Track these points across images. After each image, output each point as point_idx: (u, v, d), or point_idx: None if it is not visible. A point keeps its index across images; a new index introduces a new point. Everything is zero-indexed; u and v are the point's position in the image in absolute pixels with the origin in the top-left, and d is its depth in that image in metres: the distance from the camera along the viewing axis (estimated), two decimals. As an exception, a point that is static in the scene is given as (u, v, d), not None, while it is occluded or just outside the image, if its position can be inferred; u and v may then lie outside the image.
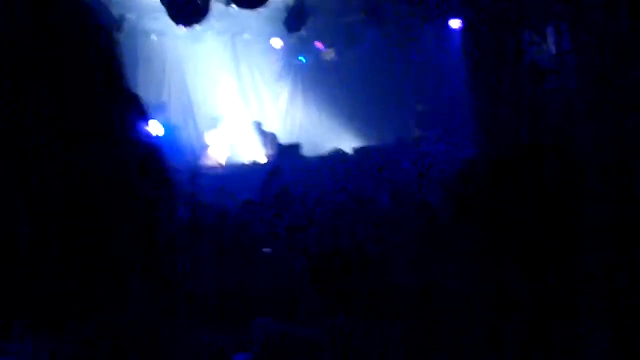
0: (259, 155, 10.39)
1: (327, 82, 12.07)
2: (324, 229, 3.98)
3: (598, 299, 0.68)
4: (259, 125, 10.97)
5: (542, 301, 0.71)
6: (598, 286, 0.68)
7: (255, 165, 9.66)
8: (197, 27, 8.83)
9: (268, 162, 9.80)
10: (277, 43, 11.73)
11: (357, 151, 9.20)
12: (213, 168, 10.22)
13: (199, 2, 7.01)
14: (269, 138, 10.63)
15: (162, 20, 9.12)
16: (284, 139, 10.72)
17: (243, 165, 9.87)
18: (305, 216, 4.54)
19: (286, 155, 9.33)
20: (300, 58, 12.34)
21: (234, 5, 8.20)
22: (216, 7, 8.58)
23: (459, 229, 0.75)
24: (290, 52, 12.16)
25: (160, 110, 10.86)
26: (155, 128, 10.09)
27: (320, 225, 4.15)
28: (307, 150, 9.80)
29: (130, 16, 9.65)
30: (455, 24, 9.10)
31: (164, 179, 0.99)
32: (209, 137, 10.97)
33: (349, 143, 10.63)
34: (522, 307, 0.72)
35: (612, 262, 0.69)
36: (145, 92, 10.14)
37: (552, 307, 0.71)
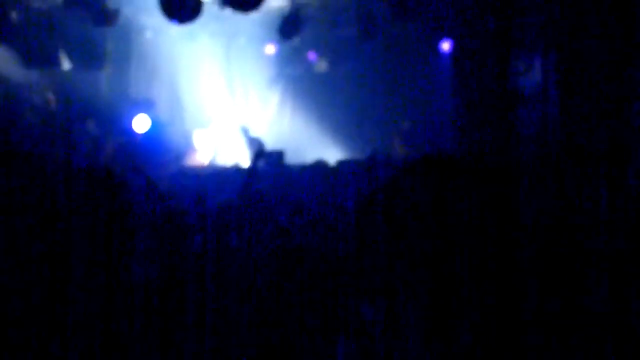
0: (243, 158, 10.41)
1: (316, 93, 12.12)
2: (291, 233, 4.01)
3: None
4: (245, 130, 11.01)
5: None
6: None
7: (236, 168, 9.68)
8: (192, 27, 8.88)
9: (250, 167, 9.81)
10: (271, 50, 11.79)
11: (339, 164, 9.23)
12: (195, 168, 10.23)
13: (191, 1, 7.09)
14: (254, 143, 10.66)
15: (157, 18, 9.17)
16: (269, 145, 10.75)
17: (225, 168, 9.88)
18: (275, 221, 4.56)
19: (268, 161, 9.34)
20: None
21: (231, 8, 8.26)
22: (211, 8, 8.65)
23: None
24: (283, 59, 12.23)
25: (149, 105, 10.88)
26: (142, 123, 10.14)
27: (288, 229, 4.18)
28: (290, 158, 9.83)
29: (126, 12, 9.68)
30: (445, 46, 9.20)
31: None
32: (195, 137, 10.99)
33: (333, 155, 10.67)
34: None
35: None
36: (136, 87, 10.24)
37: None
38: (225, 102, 12.09)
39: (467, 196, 0.72)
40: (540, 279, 0.65)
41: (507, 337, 0.68)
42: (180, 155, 10.58)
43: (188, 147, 10.87)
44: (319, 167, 9.06)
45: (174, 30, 9.59)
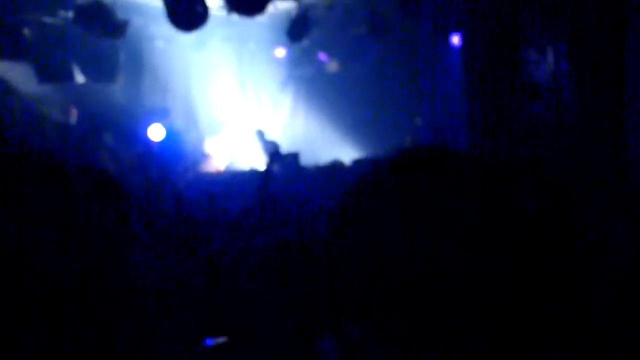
0: (258, 163, 10.45)
1: (329, 94, 12.13)
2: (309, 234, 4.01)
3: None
4: (261, 134, 11.03)
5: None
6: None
7: (253, 173, 9.71)
8: (202, 34, 8.93)
9: (266, 170, 9.84)
10: (281, 53, 11.81)
11: (355, 163, 9.23)
12: (211, 174, 10.28)
13: (199, 8, 7.11)
14: (269, 146, 10.68)
15: (167, 26, 9.22)
16: (284, 148, 10.78)
17: (241, 172, 9.92)
18: (294, 225, 4.57)
19: (284, 164, 9.36)
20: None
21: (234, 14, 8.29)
22: (219, 15, 8.69)
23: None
24: (293, 62, 12.25)
25: (163, 114, 10.96)
26: (157, 132, 10.22)
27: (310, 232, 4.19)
28: (306, 160, 9.84)
29: (136, 21, 9.75)
30: (456, 40, 9.15)
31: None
32: (210, 143, 11.05)
33: (348, 155, 10.67)
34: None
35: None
36: (149, 97, 10.29)
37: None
38: (238, 107, 12.15)
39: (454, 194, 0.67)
40: (550, 281, 0.62)
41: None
42: (196, 162, 10.64)
43: (203, 154, 10.94)
44: (335, 167, 9.08)
45: (185, 38, 9.65)
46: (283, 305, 2.31)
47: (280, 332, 2.18)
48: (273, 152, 10.30)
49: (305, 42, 10.48)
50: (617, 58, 5.77)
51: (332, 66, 11.86)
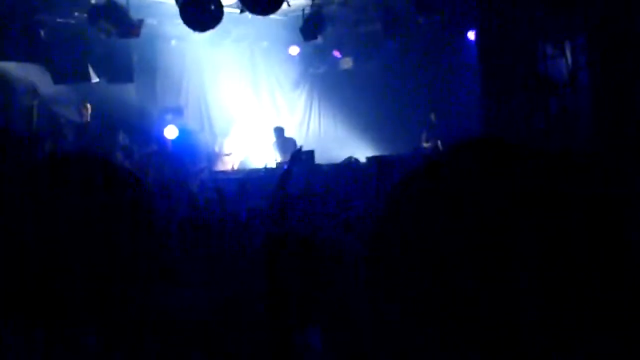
0: (272, 160, 10.44)
1: (343, 91, 12.11)
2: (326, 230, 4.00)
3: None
4: (281, 131, 10.97)
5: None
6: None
7: (267, 170, 9.71)
8: (214, 33, 8.92)
9: (282, 168, 9.83)
10: (294, 50, 11.80)
11: (370, 160, 9.20)
12: (226, 172, 10.29)
13: (212, 7, 7.08)
14: (289, 144, 10.66)
15: (181, 26, 9.23)
16: (299, 145, 10.76)
17: (256, 170, 9.92)
18: (311, 222, 4.56)
19: (300, 161, 9.34)
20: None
21: (248, 13, 8.27)
22: (232, 14, 8.67)
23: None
24: (307, 60, 12.23)
25: (178, 114, 10.99)
26: (170, 132, 10.25)
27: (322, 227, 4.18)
28: (321, 158, 9.83)
29: (151, 21, 9.77)
30: (472, 35, 9.09)
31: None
32: (224, 142, 11.06)
33: (363, 152, 10.65)
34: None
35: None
36: (163, 96, 10.30)
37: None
38: (252, 105, 12.15)
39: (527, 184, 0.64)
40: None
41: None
42: (211, 161, 10.66)
43: (218, 152, 10.95)
44: (350, 164, 9.06)
45: (199, 37, 9.66)
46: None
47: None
48: (295, 149, 10.27)
49: (318, 40, 10.45)
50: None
51: (346, 63, 11.82)
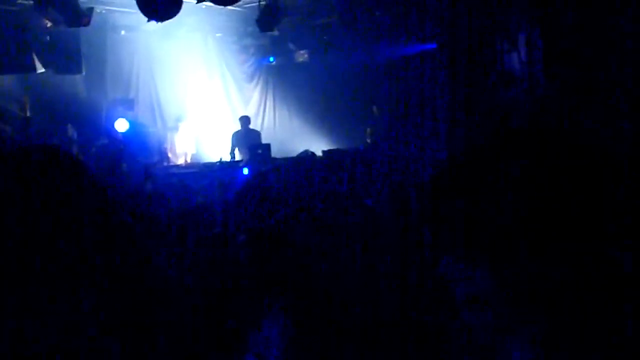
0: (224, 154, 10.30)
1: (297, 84, 12.05)
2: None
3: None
4: (247, 120, 10.75)
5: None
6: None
7: (222, 164, 9.57)
8: (167, 23, 8.70)
9: (239, 161, 9.72)
10: (249, 42, 11.66)
11: (325, 153, 9.19)
12: (179, 166, 10.10)
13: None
14: (252, 135, 10.51)
15: (132, 15, 8.97)
16: (255, 139, 10.64)
17: (210, 164, 9.77)
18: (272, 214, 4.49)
19: (256, 155, 9.25)
20: (270, 59, 12.29)
21: (207, 2, 8.09)
22: (187, 4, 8.47)
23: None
24: (262, 52, 12.11)
25: (128, 106, 10.69)
26: (121, 125, 9.95)
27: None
28: (277, 151, 9.75)
29: (100, 9, 9.47)
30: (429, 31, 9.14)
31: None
32: (176, 135, 10.82)
33: (317, 144, 10.63)
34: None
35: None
36: (113, 88, 9.97)
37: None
38: (205, 98, 11.94)
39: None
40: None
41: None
42: (162, 155, 10.42)
43: (170, 146, 10.71)
44: (305, 157, 9.00)
45: (150, 28, 9.40)
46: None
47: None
48: (256, 140, 10.13)
49: (274, 32, 10.34)
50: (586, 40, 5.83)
51: (302, 56, 11.76)
